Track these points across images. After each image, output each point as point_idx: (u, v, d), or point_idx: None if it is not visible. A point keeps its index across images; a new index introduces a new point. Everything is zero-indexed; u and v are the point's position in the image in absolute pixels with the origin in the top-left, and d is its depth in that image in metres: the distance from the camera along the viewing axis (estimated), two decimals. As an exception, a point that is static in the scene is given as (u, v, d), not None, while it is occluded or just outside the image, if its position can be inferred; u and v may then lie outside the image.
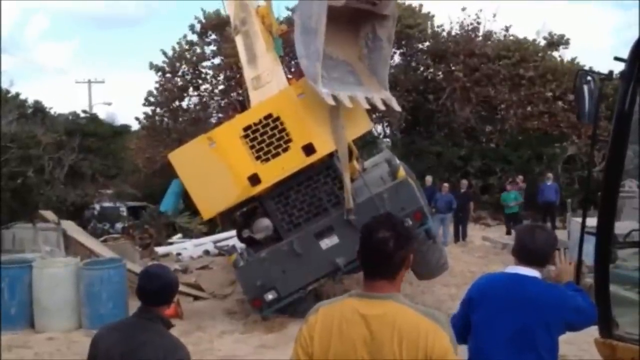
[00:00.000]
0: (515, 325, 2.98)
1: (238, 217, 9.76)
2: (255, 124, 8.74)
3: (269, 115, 8.71)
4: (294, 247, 8.77)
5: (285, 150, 8.73)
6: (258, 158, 8.73)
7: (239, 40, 10.15)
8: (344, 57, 8.56)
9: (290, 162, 8.74)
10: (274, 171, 8.74)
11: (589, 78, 3.38)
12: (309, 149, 8.70)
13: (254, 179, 8.75)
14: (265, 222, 9.09)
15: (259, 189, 8.83)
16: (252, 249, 9.39)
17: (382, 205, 8.63)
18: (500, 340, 3.00)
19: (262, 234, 9.12)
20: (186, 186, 8.99)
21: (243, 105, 22.91)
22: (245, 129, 8.74)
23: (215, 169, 8.70)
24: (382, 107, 8.40)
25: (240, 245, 10.24)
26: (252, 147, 8.73)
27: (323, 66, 7.85)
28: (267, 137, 8.73)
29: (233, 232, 16.93)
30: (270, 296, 8.77)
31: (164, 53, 23.68)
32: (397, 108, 8.77)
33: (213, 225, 19.20)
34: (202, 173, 8.76)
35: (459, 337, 3.07)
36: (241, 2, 10.03)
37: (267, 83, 9.24)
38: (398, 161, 10.00)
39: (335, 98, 7.85)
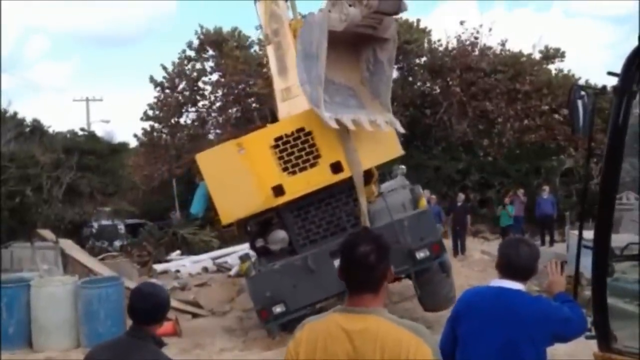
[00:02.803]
0: (501, 339, 2.99)
1: (252, 226, 9.73)
2: (286, 136, 8.73)
3: (302, 129, 8.71)
4: (308, 263, 8.69)
5: (313, 165, 8.73)
6: (285, 170, 8.72)
7: (270, 51, 10.26)
8: (346, 82, 8.58)
9: (317, 177, 8.72)
10: (299, 185, 8.72)
11: (582, 92, 3.40)
12: (336, 167, 8.69)
13: (278, 190, 8.72)
14: (281, 234, 9.06)
15: (281, 200, 8.79)
16: (264, 259, 9.34)
17: (401, 232, 8.63)
18: (487, 354, 3.00)
19: (278, 245, 9.09)
20: (209, 188, 8.95)
21: (240, 120, 23.03)
22: (277, 139, 8.74)
23: (241, 175, 8.68)
24: (385, 130, 8.38)
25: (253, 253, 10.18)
26: (280, 158, 8.72)
27: (325, 91, 7.85)
28: (297, 150, 8.72)
29: (232, 249, 17.02)
30: (278, 309, 8.68)
31: (164, 68, 23.80)
32: (401, 130, 8.75)
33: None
34: (227, 177, 8.74)
35: (449, 356, 3.07)
36: (275, 13, 10.13)
37: (296, 96, 9.25)
38: (421, 190, 10.01)
39: (338, 121, 7.85)
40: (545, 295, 3.34)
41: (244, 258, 9.58)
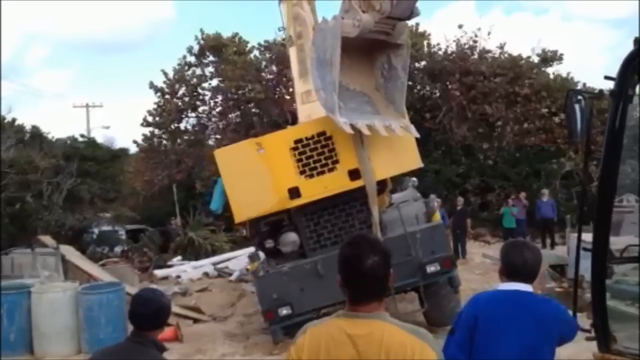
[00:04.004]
0: (523, 342, 3.00)
1: (262, 226, 9.72)
2: (307, 139, 8.70)
3: (323, 133, 8.68)
4: (317, 268, 8.62)
5: (331, 170, 8.69)
6: (302, 172, 8.68)
7: (292, 52, 10.28)
8: (361, 89, 8.52)
9: (334, 183, 8.68)
10: (316, 189, 8.68)
11: (579, 97, 3.42)
12: (354, 174, 8.63)
13: (294, 193, 8.68)
14: (292, 237, 9.04)
15: (296, 203, 8.76)
16: (273, 260, 9.32)
17: (413, 245, 8.64)
18: (510, 357, 3.00)
19: (288, 248, 9.07)
20: (225, 185, 8.90)
21: (241, 125, 23.06)
22: (297, 141, 8.71)
23: (258, 175, 8.64)
24: (400, 135, 8.32)
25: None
26: (299, 160, 8.68)
27: (340, 97, 7.84)
28: (316, 154, 8.69)
29: (232, 254, 17.02)
30: (284, 311, 8.63)
31: (165, 74, 23.82)
32: (416, 134, 8.64)
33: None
34: (243, 176, 8.69)
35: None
36: (299, 16, 10.15)
37: (316, 100, 9.10)
38: (436, 204, 9.95)
39: (353, 127, 7.83)
40: None
41: (253, 257, 9.53)
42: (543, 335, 3.00)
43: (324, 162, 8.69)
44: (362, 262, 2.20)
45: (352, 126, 7.81)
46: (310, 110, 9.46)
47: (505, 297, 3.13)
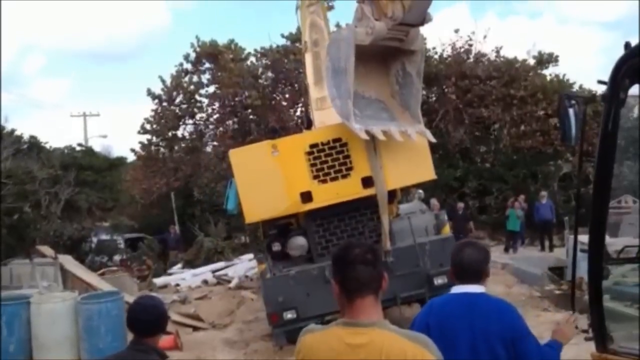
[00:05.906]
0: (477, 343, 2.98)
1: (270, 228, 9.71)
2: (322, 144, 8.74)
3: (339, 139, 8.72)
4: (324, 274, 8.59)
5: (344, 176, 8.72)
6: (316, 177, 8.71)
7: (308, 59, 10.38)
8: (376, 96, 8.56)
9: (346, 189, 8.70)
10: (328, 194, 8.70)
11: (572, 101, 3.44)
12: (367, 182, 8.65)
13: (306, 197, 8.70)
14: (301, 241, 9.08)
15: (308, 207, 8.77)
16: (279, 263, 9.32)
17: (422, 256, 8.67)
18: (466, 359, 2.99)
19: (297, 252, 9.10)
20: (238, 185, 8.91)
21: (238, 132, 23.08)
22: (312, 146, 8.74)
23: (272, 177, 8.66)
24: (415, 140, 8.35)
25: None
26: (313, 165, 8.71)
27: (356, 105, 7.88)
28: (331, 160, 8.72)
29: (231, 262, 17.01)
30: (289, 315, 8.63)
31: (163, 81, 23.86)
32: (432, 139, 8.67)
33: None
34: (257, 177, 8.71)
35: None
36: (316, 24, 10.25)
37: (330, 106, 9.13)
38: (446, 217, 10.01)
39: (368, 133, 7.86)
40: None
41: (261, 259, 9.55)
42: (494, 334, 2.97)
43: (338, 168, 8.72)
44: (350, 252, 2.23)
45: (367, 132, 7.85)
46: (324, 117, 9.53)
47: (457, 301, 3.12)
